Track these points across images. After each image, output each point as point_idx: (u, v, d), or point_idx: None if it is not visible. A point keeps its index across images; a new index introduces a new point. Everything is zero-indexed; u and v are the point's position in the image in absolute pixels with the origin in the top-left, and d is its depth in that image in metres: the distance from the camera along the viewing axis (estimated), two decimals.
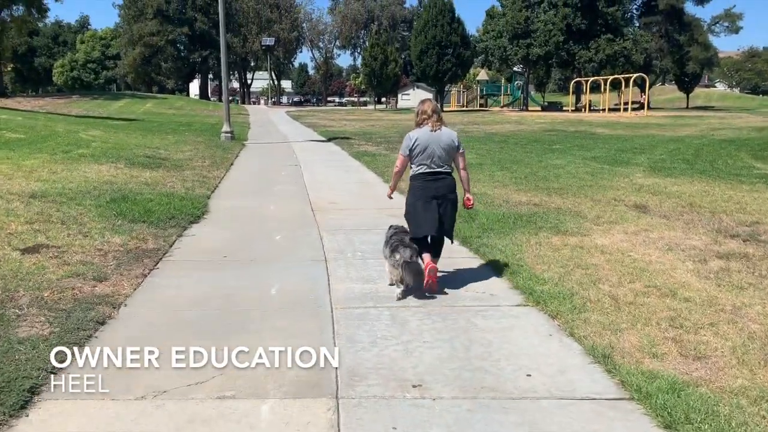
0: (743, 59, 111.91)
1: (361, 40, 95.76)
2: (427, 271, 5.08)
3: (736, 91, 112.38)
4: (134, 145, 16.38)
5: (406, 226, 5.45)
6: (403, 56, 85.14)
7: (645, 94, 47.64)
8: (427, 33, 52.72)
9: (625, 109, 44.92)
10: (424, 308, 4.85)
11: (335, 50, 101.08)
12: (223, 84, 22.09)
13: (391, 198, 5.82)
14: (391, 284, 5.25)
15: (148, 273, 5.58)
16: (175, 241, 6.78)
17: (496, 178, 11.91)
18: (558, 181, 11.56)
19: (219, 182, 11.53)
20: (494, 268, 5.95)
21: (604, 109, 46.53)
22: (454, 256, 6.48)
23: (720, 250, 6.68)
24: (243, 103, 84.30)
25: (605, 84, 46.99)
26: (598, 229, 7.55)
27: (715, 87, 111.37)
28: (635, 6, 61.56)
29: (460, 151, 5.32)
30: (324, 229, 7.70)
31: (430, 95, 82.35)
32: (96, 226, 7.01)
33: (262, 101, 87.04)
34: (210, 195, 10.05)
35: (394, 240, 5.23)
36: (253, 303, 4.88)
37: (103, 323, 4.34)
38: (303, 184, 11.73)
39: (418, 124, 5.28)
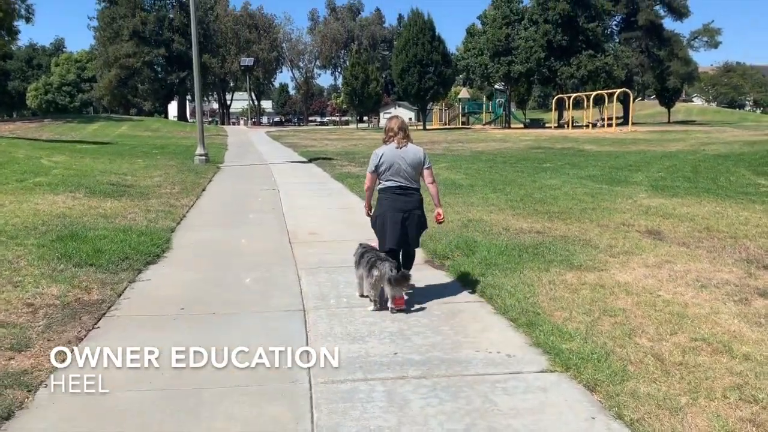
0: (719, 74, 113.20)
1: (342, 60, 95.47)
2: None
3: (713, 105, 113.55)
4: (99, 171, 15.27)
5: (372, 243, 5.55)
6: (384, 75, 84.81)
7: (630, 110, 47.35)
8: (408, 51, 52.22)
9: (609, 125, 44.55)
10: (428, 379, 3.85)
11: (315, 70, 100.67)
12: (196, 104, 21.08)
13: (369, 216, 5.68)
14: (363, 295, 5.38)
15: (84, 336, 4.53)
16: (125, 289, 5.73)
17: (490, 202, 11.01)
18: (557, 204, 10.68)
19: (187, 211, 10.48)
20: (506, 317, 4.98)
21: (587, 125, 46.19)
22: (456, 299, 5.52)
23: (759, 286, 5.79)
24: (223, 124, 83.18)
25: (588, 100, 46.69)
26: (614, 262, 6.64)
27: (692, 102, 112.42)
28: (615, 22, 61.77)
29: (426, 165, 5.42)
30: (303, 267, 6.71)
31: (411, 114, 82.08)
32: (33, 272, 5.94)
33: (241, 122, 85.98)
34: (175, 227, 9.00)
35: (370, 256, 5.24)
36: (208, 378, 3.85)
37: (8, 418, 3.29)
38: (281, 211, 10.73)
39: (385, 141, 5.41)
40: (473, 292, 5.72)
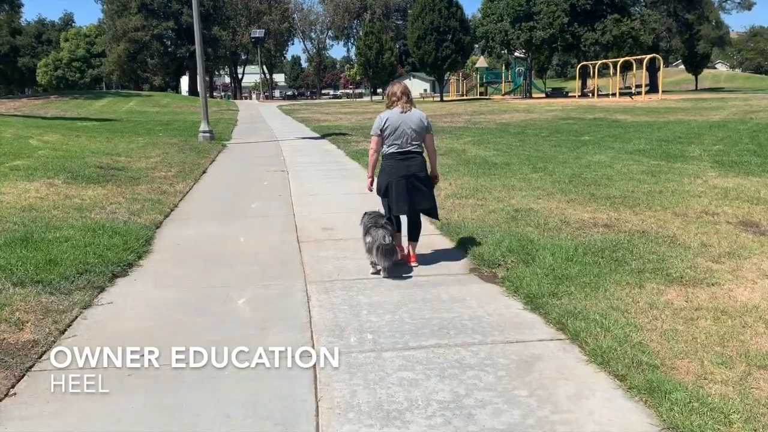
0: (745, 39, 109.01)
1: (354, 30, 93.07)
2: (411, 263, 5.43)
3: (738, 71, 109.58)
4: (91, 151, 13.80)
5: (380, 210, 5.55)
6: (398, 46, 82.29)
7: (659, 77, 44.89)
8: (424, 18, 49.94)
9: (638, 93, 42.24)
10: None
11: (328, 41, 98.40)
12: (199, 77, 19.48)
13: (371, 190, 5.71)
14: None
15: None
16: (73, 320, 4.25)
17: (534, 184, 9.38)
18: (615, 186, 9.03)
19: (180, 200, 8.98)
20: (607, 370, 3.42)
21: (614, 94, 43.87)
22: (526, 336, 3.96)
23: None
24: (235, 98, 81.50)
25: (614, 67, 44.30)
26: (722, 271, 5.04)
27: (715, 68, 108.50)
28: None
29: (430, 131, 5.49)
30: (313, 280, 5.18)
31: (426, 85, 79.63)
32: None
33: (253, 96, 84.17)
34: (162, 221, 7.51)
35: (369, 223, 5.29)
36: None
37: None
38: (289, 199, 9.21)
39: (388, 106, 5.42)
40: (547, 322, 4.16)
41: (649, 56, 42.11)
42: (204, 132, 17.81)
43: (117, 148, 15.05)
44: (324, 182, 10.80)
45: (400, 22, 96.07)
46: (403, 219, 5.67)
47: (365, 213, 5.54)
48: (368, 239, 5.13)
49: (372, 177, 5.69)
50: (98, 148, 14.61)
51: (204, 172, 12.05)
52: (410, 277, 5.25)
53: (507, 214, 7.27)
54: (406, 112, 5.32)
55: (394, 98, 5.38)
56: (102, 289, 4.90)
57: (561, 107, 33.94)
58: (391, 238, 5.08)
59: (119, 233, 6.35)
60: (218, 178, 11.51)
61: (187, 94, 74.28)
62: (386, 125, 5.31)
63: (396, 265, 5.27)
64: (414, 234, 5.54)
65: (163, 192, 9.35)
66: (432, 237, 6.59)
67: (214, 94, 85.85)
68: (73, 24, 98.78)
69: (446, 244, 6.35)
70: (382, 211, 5.53)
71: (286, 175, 11.68)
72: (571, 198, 8.22)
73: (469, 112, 32.45)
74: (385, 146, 5.39)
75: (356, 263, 5.67)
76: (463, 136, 18.08)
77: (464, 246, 6.07)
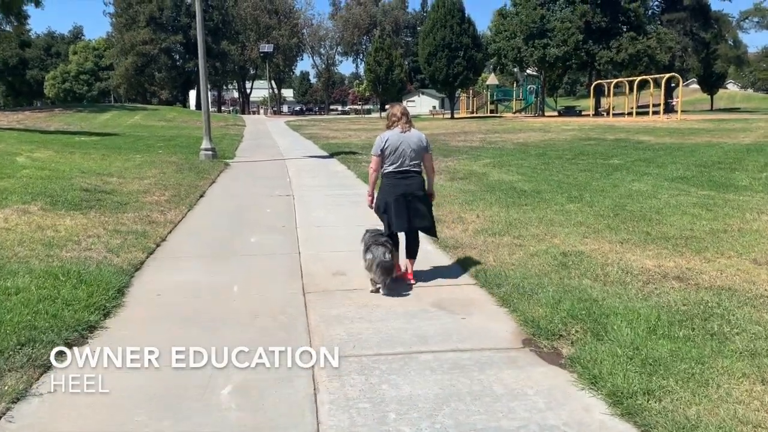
0: (758, 59, 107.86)
1: (364, 46, 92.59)
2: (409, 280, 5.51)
3: (750, 91, 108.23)
4: (81, 170, 12.71)
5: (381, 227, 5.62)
6: (407, 62, 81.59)
7: (678, 97, 43.72)
8: (435, 35, 48.99)
9: (656, 113, 41.05)
10: None
11: (337, 57, 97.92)
12: (202, 92, 18.45)
13: (372, 207, 5.77)
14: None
15: None
16: None
17: (574, 217, 8.19)
18: (668, 222, 7.84)
19: (169, 232, 7.84)
20: None
21: (630, 113, 42.67)
22: None
23: None
24: (243, 113, 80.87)
25: (630, 86, 43.14)
26: None
27: (726, 88, 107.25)
28: (655, 3, 57.79)
29: (429, 151, 5.62)
30: (323, 354, 4.01)
31: (435, 102, 78.76)
32: None
33: (261, 111, 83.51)
34: (144, 260, 6.37)
35: (369, 240, 5.37)
36: None
37: None
38: (294, 231, 8.08)
39: (389, 127, 5.56)
40: None
41: (668, 75, 40.95)
42: (206, 150, 16.74)
43: (111, 167, 13.98)
44: (333, 210, 9.66)
45: (410, 38, 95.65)
46: (401, 237, 5.71)
47: (366, 230, 5.63)
48: (368, 256, 5.22)
49: (372, 195, 5.79)
50: (90, 167, 13.53)
51: (201, 196, 10.94)
52: (446, 352, 4.08)
53: (553, 258, 6.09)
54: (405, 132, 5.46)
55: (394, 119, 5.52)
56: (47, 369, 3.74)
57: (578, 126, 32.79)
58: (390, 255, 5.21)
59: (86, 282, 5.19)
60: (216, 204, 10.39)
61: (194, 108, 73.68)
62: (386, 145, 5.43)
63: (395, 282, 5.39)
64: (412, 251, 5.64)
65: (152, 221, 8.23)
66: (467, 289, 5.43)
67: (222, 108, 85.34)
68: (82, 37, 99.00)
69: (486, 300, 5.17)
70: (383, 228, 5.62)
71: (292, 200, 10.56)
72: (623, 237, 7.03)
73: (483, 131, 31.34)
74: (385, 165, 5.50)
75: (375, 327, 4.52)
76: (480, 157, 16.95)
77: (510, 304, 4.89)
